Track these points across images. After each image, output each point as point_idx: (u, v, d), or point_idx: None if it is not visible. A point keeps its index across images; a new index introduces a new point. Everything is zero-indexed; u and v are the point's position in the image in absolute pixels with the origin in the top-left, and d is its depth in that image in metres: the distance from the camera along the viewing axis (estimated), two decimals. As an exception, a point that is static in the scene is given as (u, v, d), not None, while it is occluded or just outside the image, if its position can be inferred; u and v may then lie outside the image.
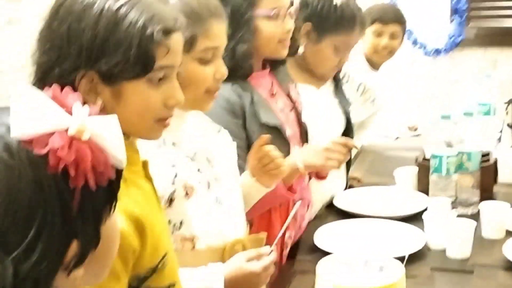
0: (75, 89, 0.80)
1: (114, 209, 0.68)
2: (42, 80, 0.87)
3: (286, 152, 1.62)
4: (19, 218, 0.58)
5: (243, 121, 1.58)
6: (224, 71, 1.25)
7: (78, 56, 0.84)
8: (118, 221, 0.71)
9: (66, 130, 0.57)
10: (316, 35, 1.83)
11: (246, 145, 1.56)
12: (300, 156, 1.59)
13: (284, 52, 1.64)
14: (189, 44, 1.06)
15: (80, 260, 0.63)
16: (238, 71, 1.52)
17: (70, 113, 0.58)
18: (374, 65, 2.55)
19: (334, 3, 1.90)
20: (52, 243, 0.60)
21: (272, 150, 1.40)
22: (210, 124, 1.37)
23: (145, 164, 0.99)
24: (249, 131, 1.57)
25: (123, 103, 0.88)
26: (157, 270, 0.95)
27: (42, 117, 0.57)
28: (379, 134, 2.80)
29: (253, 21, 1.54)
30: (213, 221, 1.24)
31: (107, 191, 0.64)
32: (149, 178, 1.01)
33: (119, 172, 0.66)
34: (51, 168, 0.57)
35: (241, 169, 1.47)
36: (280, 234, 1.38)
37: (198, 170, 1.25)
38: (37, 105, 0.58)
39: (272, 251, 1.25)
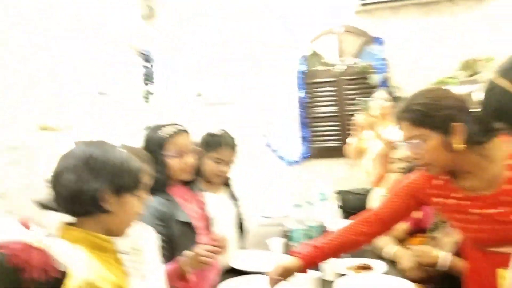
0: (96, 201, 1.10)
1: None
2: (74, 194, 1.09)
3: (194, 239, 1.86)
4: None
5: (167, 223, 1.80)
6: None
7: (105, 179, 1.12)
8: None
9: (25, 242, 0.72)
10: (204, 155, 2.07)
11: (169, 240, 1.77)
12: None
13: (186, 177, 1.90)
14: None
15: None
16: (161, 188, 1.82)
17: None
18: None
19: (212, 132, 2.25)
20: None
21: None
22: (137, 225, 1.46)
23: (115, 254, 1.19)
24: (171, 229, 1.79)
25: (123, 208, 1.17)
26: None
27: (9, 232, 0.71)
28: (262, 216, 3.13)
29: (164, 159, 1.83)
30: None
31: (52, 285, 0.74)
32: (120, 263, 1.20)
33: (64, 275, 0.76)
34: (10, 262, 0.70)
35: (164, 255, 1.65)
36: None
37: (130, 260, 1.34)
38: (7, 226, 0.72)
39: None
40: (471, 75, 3.95)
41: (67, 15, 2.98)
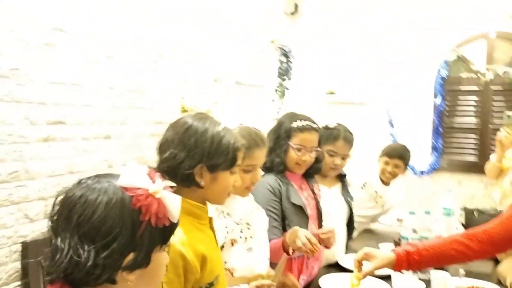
0: (191, 176, 1.15)
1: (166, 246, 0.81)
2: (172, 168, 1.15)
3: (306, 224, 1.91)
4: (106, 226, 0.74)
5: (280, 199, 1.88)
6: (258, 177, 1.54)
7: (199, 156, 1.16)
8: (166, 258, 0.83)
9: (147, 190, 0.77)
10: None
11: (280, 215, 1.86)
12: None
13: (299, 171, 1.95)
14: (241, 160, 1.30)
15: (132, 267, 0.76)
16: (276, 170, 1.92)
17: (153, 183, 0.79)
18: (383, 182, 2.90)
19: (329, 125, 2.27)
20: (120, 247, 0.74)
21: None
22: (252, 203, 1.65)
23: (210, 220, 1.27)
24: (283, 207, 1.88)
25: (216, 183, 1.21)
26: (213, 283, 1.21)
27: (137, 179, 0.78)
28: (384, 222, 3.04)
29: (286, 147, 1.92)
30: (245, 261, 1.51)
31: (161, 232, 0.79)
32: (212, 229, 1.28)
33: (173, 225, 0.80)
34: (133, 204, 0.76)
35: (276, 228, 1.78)
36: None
37: (241, 230, 1.53)
38: (137, 173, 0.79)
39: (272, 284, 1.45)
40: None
41: (212, 8, 3.19)
